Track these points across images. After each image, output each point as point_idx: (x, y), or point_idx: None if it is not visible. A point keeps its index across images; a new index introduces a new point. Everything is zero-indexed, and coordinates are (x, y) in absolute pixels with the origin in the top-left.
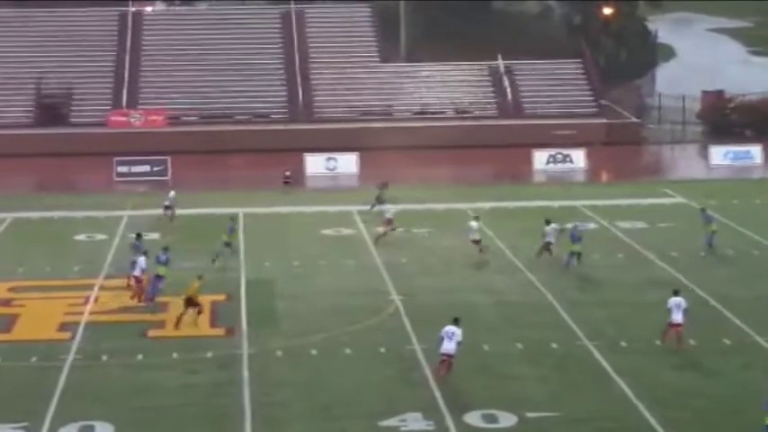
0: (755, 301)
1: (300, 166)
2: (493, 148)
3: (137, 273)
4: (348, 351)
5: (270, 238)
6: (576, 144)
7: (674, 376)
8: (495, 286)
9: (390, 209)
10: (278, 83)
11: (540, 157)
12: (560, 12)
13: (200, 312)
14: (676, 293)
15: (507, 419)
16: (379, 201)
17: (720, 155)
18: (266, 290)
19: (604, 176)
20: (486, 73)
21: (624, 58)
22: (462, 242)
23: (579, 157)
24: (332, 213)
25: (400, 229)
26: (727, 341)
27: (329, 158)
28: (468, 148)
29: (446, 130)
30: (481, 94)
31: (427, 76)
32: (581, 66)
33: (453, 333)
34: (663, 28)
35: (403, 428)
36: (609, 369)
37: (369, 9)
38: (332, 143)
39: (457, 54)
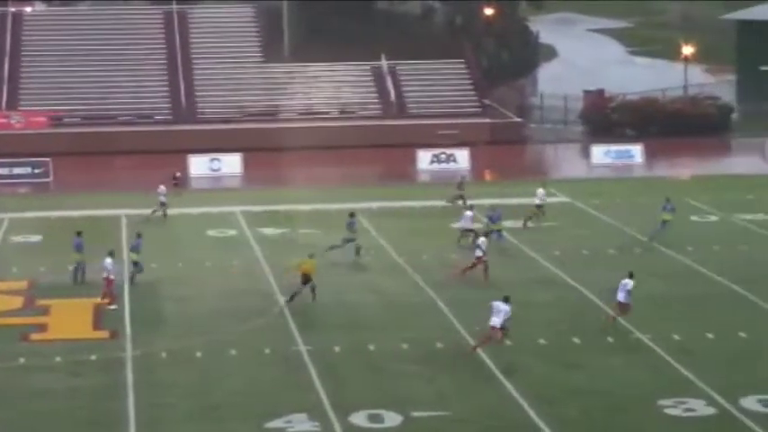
0: (638, 300)
1: (184, 167)
2: (377, 148)
3: (107, 274)
4: (233, 352)
5: (154, 239)
6: (459, 144)
7: (559, 375)
8: (381, 286)
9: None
10: (161, 84)
11: (423, 157)
12: (443, 12)
13: (313, 290)
14: (631, 276)
15: (393, 419)
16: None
17: (602, 154)
18: (151, 292)
19: (488, 176)
20: (369, 73)
21: (506, 58)
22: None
23: (463, 157)
24: (216, 214)
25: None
26: (610, 339)
27: (213, 159)
28: (352, 148)
29: (331, 130)
30: (365, 95)
31: (311, 76)
32: (464, 66)
33: (501, 308)
34: (544, 28)
35: (289, 429)
36: (494, 368)
37: (252, 9)
38: (216, 144)
39: (341, 54)
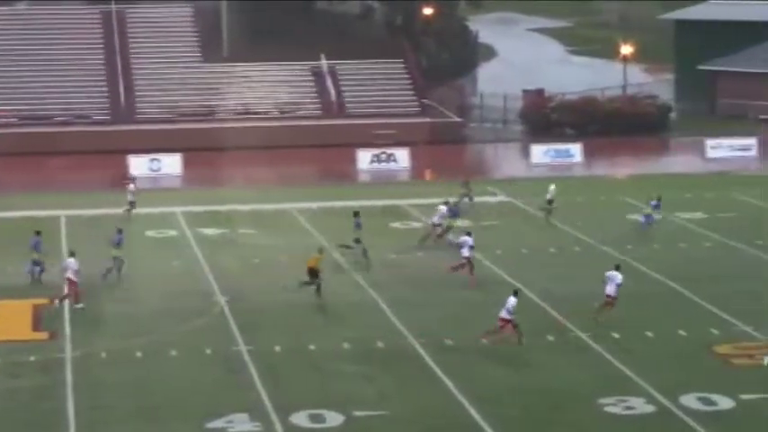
0: (578, 298)
1: (124, 168)
2: (317, 148)
3: (69, 274)
4: (174, 353)
5: (94, 240)
6: (399, 143)
7: (500, 373)
8: (322, 286)
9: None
10: (100, 84)
11: (363, 157)
12: (382, 12)
13: (318, 287)
14: (617, 268)
15: (334, 419)
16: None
17: (541, 153)
18: (91, 292)
19: (428, 176)
20: (309, 73)
21: (446, 57)
22: (287, 242)
23: (403, 157)
24: (156, 215)
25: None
26: (550, 337)
27: (153, 159)
28: (292, 148)
29: (270, 131)
30: (304, 95)
31: (250, 76)
32: (403, 66)
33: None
34: (484, 28)
35: (230, 430)
36: (435, 367)
37: (190, 9)
38: (155, 144)
39: (280, 54)
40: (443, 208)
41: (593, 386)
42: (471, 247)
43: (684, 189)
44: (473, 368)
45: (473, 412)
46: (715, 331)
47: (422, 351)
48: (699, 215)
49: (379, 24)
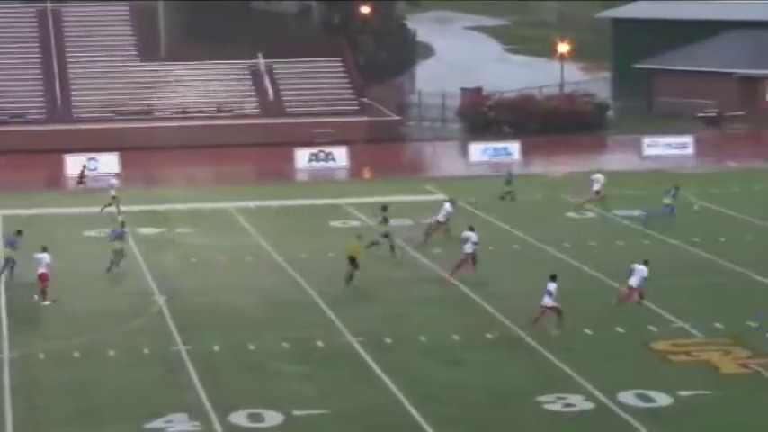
0: (517, 296)
1: (60, 168)
2: (255, 147)
3: (42, 269)
4: (112, 353)
5: (31, 240)
6: (338, 142)
7: (440, 372)
8: (260, 285)
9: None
10: (35, 83)
11: (301, 156)
12: (320, 11)
13: (351, 275)
14: (646, 263)
15: (273, 418)
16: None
17: (479, 152)
18: (28, 292)
19: (367, 174)
20: (247, 72)
21: (384, 56)
22: (225, 241)
23: (341, 156)
24: (94, 214)
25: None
26: (489, 336)
27: (90, 159)
28: (230, 147)
29: (208, 130)
30: (242, 93)
31: (188, 76)
32: (341, 64)
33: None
34: (422, 26)
35: (169, 430)
36: (375, 366)
37: (127, 8)
38: (92, 143)
39: (218, 53)
40: (448, 205)
41: (533, 384)
42: (475, 243)
43: (622, 187)
44: (413, 366)
45: (413, 411)
46: (653, 328)
47: (361, 350)
48: (637, 212)
49: (317, 23)
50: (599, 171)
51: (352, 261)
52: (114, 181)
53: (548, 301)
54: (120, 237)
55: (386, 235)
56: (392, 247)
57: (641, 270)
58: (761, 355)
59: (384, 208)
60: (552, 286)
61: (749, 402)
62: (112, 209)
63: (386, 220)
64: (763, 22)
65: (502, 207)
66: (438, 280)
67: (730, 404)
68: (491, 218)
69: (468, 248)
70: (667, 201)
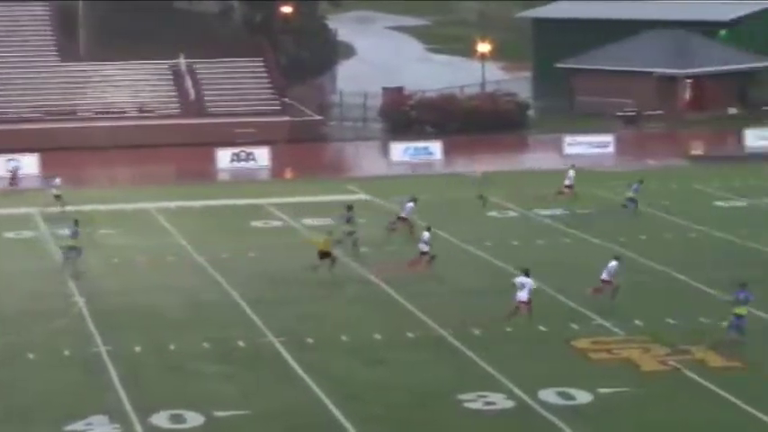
0: (438, 295)
1: None
2: (176, 147)
3: None
4: (32, 355)
5: None
6: (259, 142)
7: (362, 371)
8: (181, 286)
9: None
10: None
11: (223, 156)
12: (241, 11)
13: (333, 261)
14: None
15: (195, 419)
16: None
17: (401, 151)
18: None
19: (289, 174)
20: (168, 72)
21: (305, 56)
22: (146, 242)
23: (263, 156)
24: (13, 216)
25: None
26: (411, 335)
27: (10, 159)
28: (151, 147)
29: (129, 130)
30: (164, 93)
31: (109, 75)
32: (263, 64)
33: (525, 283)
34: (343, 26)
35: None
36: (297, 366)
37: (47, 8)
38: (13, 144)
39: (139, 53)
40: (411, 204)
41: (455, 383)
42: (426, 243)
43: (543, 185)
44: (335, 366)
45: (335, 410)
46: (574, 326)
47: (283, 350)
48: (558, 211)
49: (239, 23)
50: (572, 167)
51: (323, 256)
52: (58, 180)
53: (522, 296)
54: (74, 235)
55: (350, 233)
56: (354, 244)
57: (613, 266)
58: (680, 353)
59: (349, 207)
60: (526, 281)
61: (669, 399)
62: (57, 208)
63: (350, 220)
64: (681, 21)
65: (423, 206)
66: (358, 280)
67: (650, 401)
68: (414, 217)
69: (424, 248)
70: (630, 194)
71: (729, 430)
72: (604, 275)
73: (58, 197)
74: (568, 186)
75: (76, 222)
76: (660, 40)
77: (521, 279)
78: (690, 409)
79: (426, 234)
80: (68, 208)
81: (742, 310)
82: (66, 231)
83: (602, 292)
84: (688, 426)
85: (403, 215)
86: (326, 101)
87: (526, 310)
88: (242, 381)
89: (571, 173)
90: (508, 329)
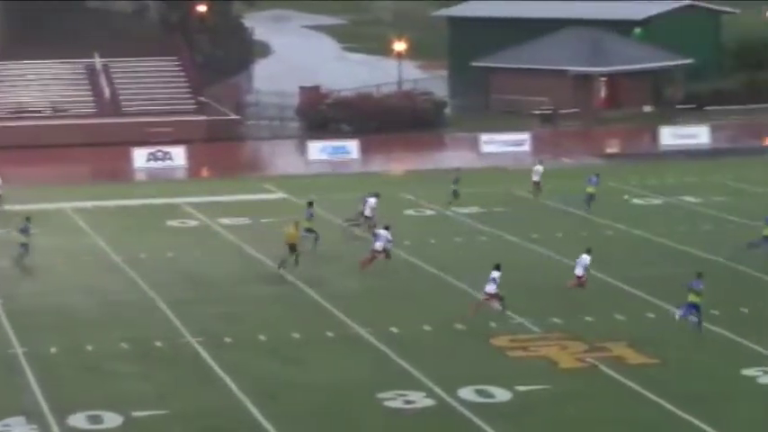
0: (355, 294)
1: None
2: (92, 147)
3: None
4: None
5: None
6: (176, 141)
7: (280, 370)
8: (98, 286)
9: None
10: None
11: (139, 156)
12: (156, 10)
13: (296, 259)
14: (588, 251)
15: (113, 420)
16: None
17: (318, 150)
18: None
19: (205, 173)
20: (83, 71)
21: (222, 55)
22: (62, 242)
23: (179, 155)
24: None
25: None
26: (330, 333)
27: None
28: (66, 146)
29: (44, 129)
30: (79, 93)
31: (23, 75)
32: (178, 63)
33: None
34: (259, 25)
35: None
36: (215, 366)
37: None
38: None
39: (53, 52)
40: (373, 200)
41: (373, 381)
42: (389, 241)
43: (460, 184)
44: (252, 365)
45: (254, 410)
46: (492, 324)
47: (201, 349)
48: (475, 209)
49: (154, 22)
50: (540, 162)
51: (292, 248)
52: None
53: (491, 289)
54: (25, 231)
55: (310, 230)
56: (315, 241)
57: (584, 259)
58: (597, 350)
59: (310, 204)
60: (496, 274)
61: (586, 396)
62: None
63: (311, 216)
64: (596, 20)
65: (340, 205)
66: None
67: (568, 398)
68: (331, 216)
69: (379, 246)
70: (591, 189)
71: (647, 426)
72: (578, 270)
73: None
74: (536, 183)
75: (28, 219)
76: (575, 39)
77: (493, 273)
78: (607, 406)
79: (384, 232)
80: None
81: (696, 299)
82: (18, 229)
83: (584, 285)
84: (606, 422)
85: (366, 213)
86: (243, 100)
87: (495, 302)
88: (160, 381)
89: (540, 168)
90: (427, 328)
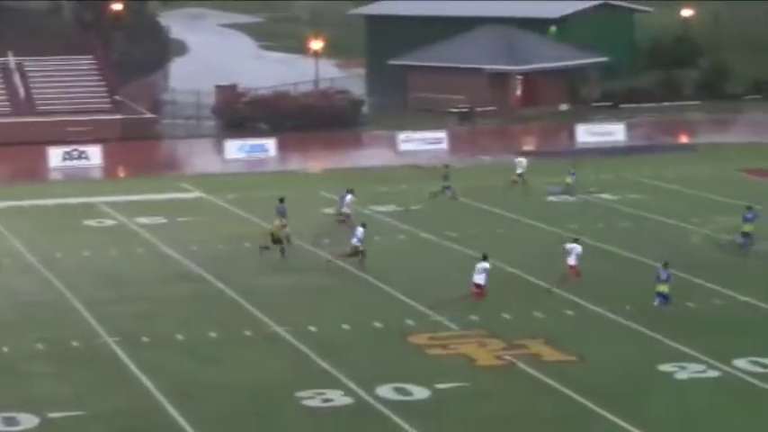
0: (274, 292)
1: None
2: (7, 147)
3: None
4: None
5: None
6: (91, 140)
7: (197, 369)
8: (13, 286)
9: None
10: None
11: (55, 155)
12: (70, 8)
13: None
14: (576, 240)
15: (29, 421)
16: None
17: (235, 149)
18: None
19: (122, 172)
20: None
21: (138, 53)
22: None
23: (95, 154)
24: None
25: None
26: (247, 332)
27: None
28: None
29: None
30: None
31: None
32: (93, 62)
33: (574, 248)
34: (175, 23)
35: None
36: (132, 365)
37: None
38: None
39: None
40: (349, 197)
41: (292, 380)
42: (360, 240)
43: (378, 182)
44: (170, 365)
45: (171, 410)
46: (410, 322)
47: (118, 349)
48: (392, 208)
49: (68, 20)
50: (522, 154)
51: (274, 239)
52: None
53: (479, 279)
54: None
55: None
56: (287, 239)
57: (575, 248)
58: (515, 347)
59: (281, 200)
60: (484, 265)
61: (504, 394)
62: None
63: (281, 212)
64: (512, 18)
65: (258, 203)
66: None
67: (486, 396)
68: (248, 215)
69: (355, 242)
70: (569, 181)
71: (565, 422)
72: (571, 260)
73: None
74: (519, 175)
75: None
76: (491, 37)
77: (481, 264)
78: (526, 403)
79: (360, 230)
80: None
81: (664, 288)
82: None
83: (579, 275)
84: (524, 419)
85: (344, 209)
86: (159, 98)
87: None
88: (76, 381)
89: (523, 161)
90: (345, 326)
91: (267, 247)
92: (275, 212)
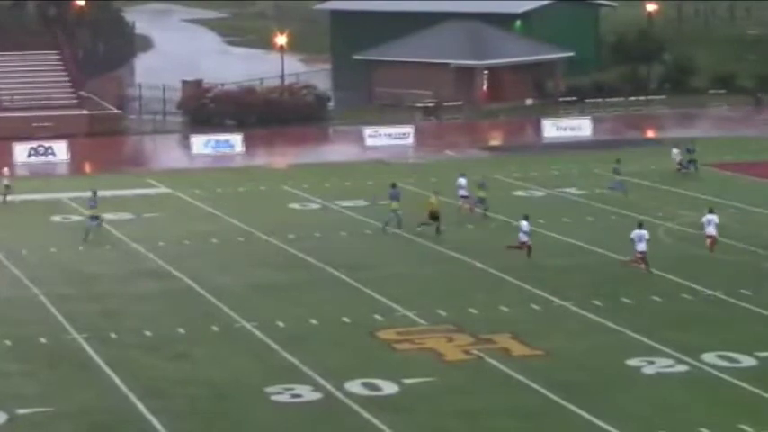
0: (242, 288)
1: None
2: None
3: None
4: None
5: None
6: (57, 136)
7: (165, 366)
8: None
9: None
10: None
11: (20, 151)
12: (34, 3)
13: (437, 229)
14: (641, 226)
15: None
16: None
17: (202, 144)
18: None
19: (88, 168)
20: None
21: (103, 49)
22: None
23: (61, 150)
24: None
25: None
26: (215, 328)
27: None
28: None
29: None
30: None
31: None
32: (58, 57)
33: (642, 235)
34: (140, 19)
35: None
36: (100, 362)
37: None
38: None
39: None
40: (464, 180)
41: (260, 375)
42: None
43: (344, 177)
44: (138, 361)
45: (140, 406)
46: (378, 317)
47: (86, 345)
48: (360, 203)
49: (32, 16)
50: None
51: (434, 217)
52: (6, 170)
53: (522, 237)
54: None
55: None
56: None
57: (642, 234)
58: (482, 342)
59: (393, 185)
60: (525, 224)
61: (472, 388)
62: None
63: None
64: (477, 13)
65: (224, 199)
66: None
67: (454, 390)
68: (215, 210)
69: (522, 237)
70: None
71: (532, 417)
72: (641, 246)
73: (7, 187)
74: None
75: None
76: (457, 32)
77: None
78: (493, 397)
79: (524, 223)
80: None
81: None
82: None
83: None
84: (492, 413)
85: (462, 192)
86: (125, 94)
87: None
88: (44, 378)
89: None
90: (313, 321)
91: (426, 224)
92: (391, 197)
